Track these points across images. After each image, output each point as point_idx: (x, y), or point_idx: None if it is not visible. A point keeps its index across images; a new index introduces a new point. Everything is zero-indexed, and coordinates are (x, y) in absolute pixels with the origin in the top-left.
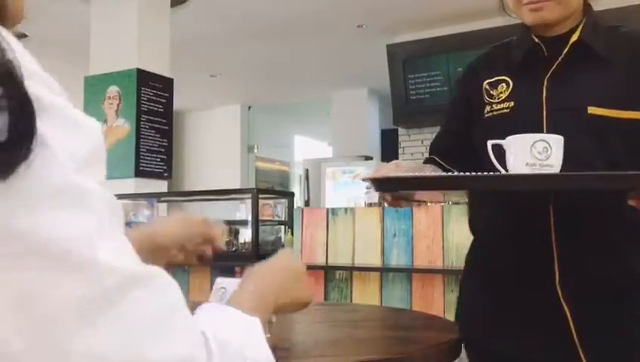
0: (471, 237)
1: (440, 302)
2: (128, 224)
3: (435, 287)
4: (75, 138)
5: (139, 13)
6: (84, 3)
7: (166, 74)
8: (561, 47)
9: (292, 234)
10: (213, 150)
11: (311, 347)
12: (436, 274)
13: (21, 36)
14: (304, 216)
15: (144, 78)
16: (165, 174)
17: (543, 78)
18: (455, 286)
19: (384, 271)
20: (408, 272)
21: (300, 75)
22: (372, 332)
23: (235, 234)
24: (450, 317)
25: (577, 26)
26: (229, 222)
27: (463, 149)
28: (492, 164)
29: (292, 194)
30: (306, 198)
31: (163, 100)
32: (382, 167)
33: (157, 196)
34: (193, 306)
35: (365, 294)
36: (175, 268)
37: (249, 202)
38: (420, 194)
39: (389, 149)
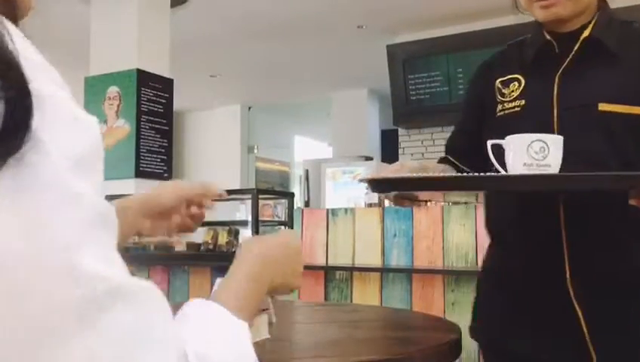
0: (471, 238)
1: (440, 303)
2: None
3: (435, 288)
4: (71, 136)
5: (139, 14)
6: (84, 3)
7: (166, 74)
8: (572, 44)
9: None
10: (213, 150)
11: (311, 347)
12: (436, 275)
13: None
14: (304, 216)
15: (144, 79)
16: (165, 175)
17: (554, 76)
18: (455, 286)
19: (384, 271)
20: (408, 272)
21: (300, 75)
22: (372, 333)
23: (235, 234)
24: (450, 317)
25: (590, 22)
26: (229, 223)
27: (476, 149)
28: (500, 164)
29: (292, 195)
30: (306, 199)
31: (163, 101)
32: (386, 168)
33: None
34: None
35: (365, 294)
36: (175, 268)
37: (249, 202)
38: (424, 194)
39: (389, 150)
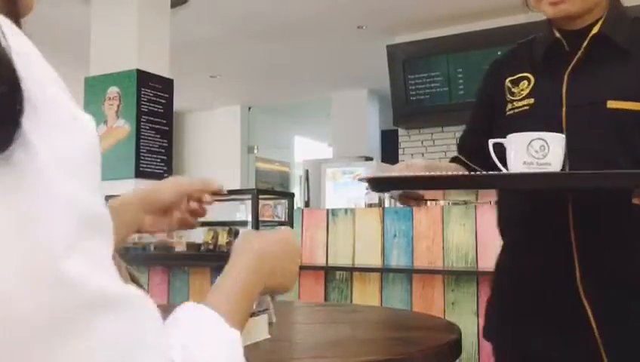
0: (471, 238)
1: (440, 303)
2: None
3: (435, 288)
4: (65, 136)
5: (139, 14)
6: (83, 4)
7: (166, 74)
8: (581, 41)
9: None
10: (213, 151)
11: (311, 347)
12: (436, 275)
13: None
14: (304, 216)
15: (144, 79)
16: (165, 175)
17: (563, 74)
18: (455, 286)
19: (384, 271)
20: (408, 273)
21: (300, 75)
22: (372, 333)
23: (236, 234)
24: (450, 317)
25: (600, 19)
26: (229, 223)
27: (486, 148)
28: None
29: (292, 195)
30: (306, 199)
31: (163, 101)
32: (392, 168)
33: None
34: None
35: (365, 295)
36: (175, 269)
37: (249, 203)
38: (429, 194)
39: (389, 150)
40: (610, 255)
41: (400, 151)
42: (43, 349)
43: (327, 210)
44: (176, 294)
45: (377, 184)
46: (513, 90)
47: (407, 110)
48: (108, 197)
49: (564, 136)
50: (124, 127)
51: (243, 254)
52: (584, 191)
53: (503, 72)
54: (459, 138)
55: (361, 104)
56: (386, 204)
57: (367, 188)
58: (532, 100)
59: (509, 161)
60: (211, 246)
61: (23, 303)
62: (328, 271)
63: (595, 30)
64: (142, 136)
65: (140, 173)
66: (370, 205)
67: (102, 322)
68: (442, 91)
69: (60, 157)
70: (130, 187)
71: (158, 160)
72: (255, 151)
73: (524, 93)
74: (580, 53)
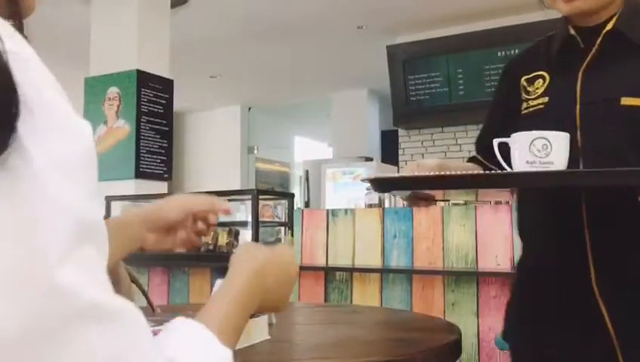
0: (471, 239)
1: (440, 304)
2: None
3: (435, 289)
4: (61, 141)
5: (139, 14)
6: (83, 4)
7: (166, 75)
8: (596, 38)
9: (292, 235)
10: (213, 151)
11: (311, 348)
12: (436, 276)
13: None
14: (304, 217)
15: (144, 79)
16: (165, 175)
17: (577, 71)
18: (455, 287)
19: (384, 272)
20: (408, 273)
21: (300, 75)
22: (372, 334)
23: (236, 235)
24: (451, 318)
25: (615, 15)
26: (229, 223)
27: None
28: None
29: (292, 196)
30: (306, 199)
31: (163, 101)
32: (404, 167)
33: (157, 197)
34: (196, 308)
35: (365, 295)
36: (175, 270)
37: (249, 203)
38: (439, 194)
39: (389, 150)
40: (624, 255)
41: (400, 152)
42: (33, 358)
43: (327, 211)
44: (176, 295)
45: (380, 185)
46: (528, 88)
47: (407, 110)
48: (107, 198)
49: (567, 134)
50: (124, 128)
51: (242, 273)
52: (595, 191)
53: (518, 71)
54: (476, 137)
55: (361, 104)
56: (386, 205)
57: (367, 189)
58: (546, 99)
59: (513, 160)
60: (211, 247)
61: (16, 310)
62: (328, 272)
63: (609, 26)
64: (142, 137)
65: (139, 174)
66: (370, 205)
67: (93, 333)
68: (442, 92)
69: (56, 161)
70: (130, 187)
71: (158, 160)
72: (255, 151)
73: (539, 91)
74: (594, 50)
